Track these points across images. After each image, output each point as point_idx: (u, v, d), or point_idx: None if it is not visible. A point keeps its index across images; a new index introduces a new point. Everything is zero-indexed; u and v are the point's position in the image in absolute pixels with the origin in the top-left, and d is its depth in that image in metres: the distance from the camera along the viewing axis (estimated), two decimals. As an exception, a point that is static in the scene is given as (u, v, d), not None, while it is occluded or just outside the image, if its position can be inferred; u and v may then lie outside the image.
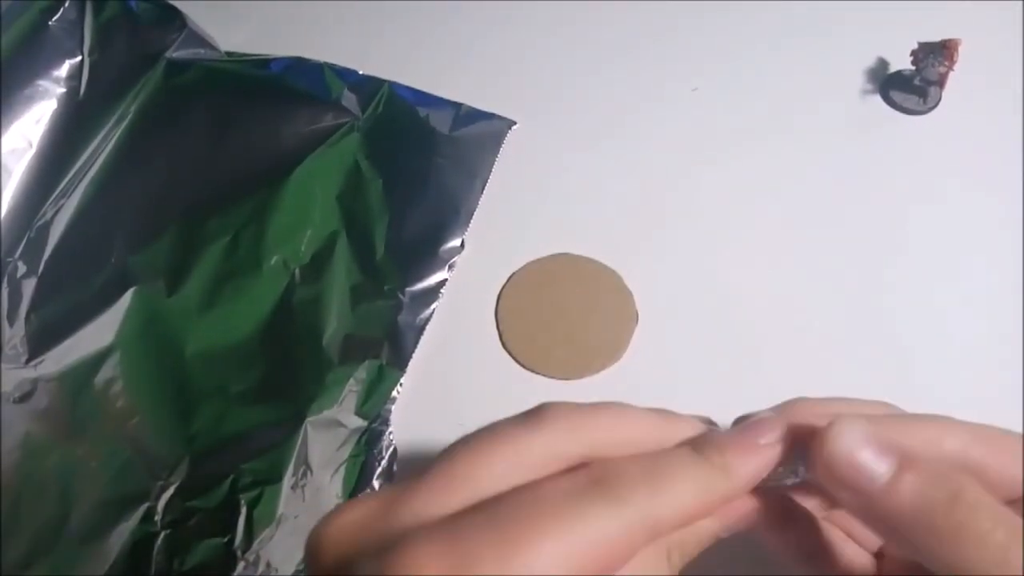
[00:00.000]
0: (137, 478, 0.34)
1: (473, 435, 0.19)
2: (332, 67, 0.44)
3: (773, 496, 0.21)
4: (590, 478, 0.18)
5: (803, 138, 0.42)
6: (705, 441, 0.20)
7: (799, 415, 0.21)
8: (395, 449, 0.35)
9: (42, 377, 0.36)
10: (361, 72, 0.44)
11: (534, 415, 0.19)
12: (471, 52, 0.46)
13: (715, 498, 0.19)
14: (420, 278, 0.38)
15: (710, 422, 0.22)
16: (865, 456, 0.19)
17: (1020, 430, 0.31)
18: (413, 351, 0.37)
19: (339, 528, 0.18)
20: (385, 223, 0.40)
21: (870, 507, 0.19)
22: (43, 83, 0.41)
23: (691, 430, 0.21)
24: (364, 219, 0.40)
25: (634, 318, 0.38)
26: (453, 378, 0.37)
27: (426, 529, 0.17)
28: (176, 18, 0.45)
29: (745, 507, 0.21)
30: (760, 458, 0.20)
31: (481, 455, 0.19)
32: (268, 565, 0.32)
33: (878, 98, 0.43)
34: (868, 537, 0.23)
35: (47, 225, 0.40)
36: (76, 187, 0.41)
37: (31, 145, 0.41)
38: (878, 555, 0.23)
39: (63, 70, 0.42)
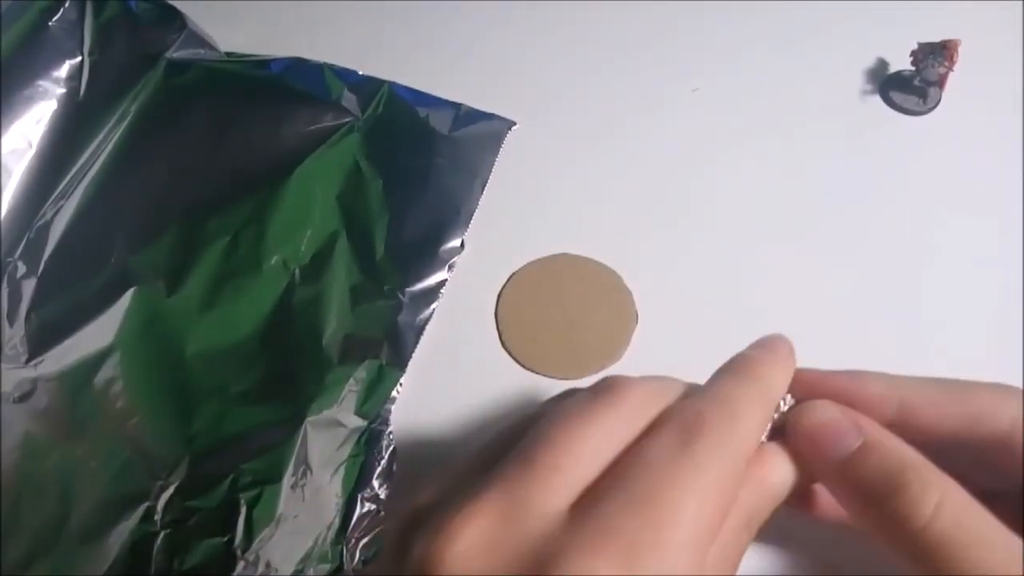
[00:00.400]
0: (137, 478, 0.34)
1: (553, 418, 0.21)
2: (332, 67, 0.44)
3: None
4: (681, 429, 0.20)
5: (803, 138, 0.42)
6: (740, 360, 0.24)
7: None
8: (395, 449, 0.35)
9: (42, 377, 0.36)
10: (361, 72, 0.44)
11: (607, 392, 0.22)
12: (471, 52, 0.46)
13: (769, 413, 0.23)
14: (420, 278, 0.38)
15: None
16: (839, 428, 0.22)
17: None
18: (413, 351, 0.37)
19: (468, 550, 0.18)
20: (385, 223, 0.40)
21: (832, 474, 0.22)
22: (43, 83, 0.41)
23: None
24: (364, 219, 0.40)
25: (634, 318, 0.38)
26: (453, 378, 0.37)
27: (581, 533, 0.18)
28: (176, 18, 0.45)
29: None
30: (788, 363, 0.25)
31: (578, 440, 0.20)
32: (268, 565, 0.32)
33: (878, 98, 0.43)
34: None
35: (47, 225, 0.39)
36: (76, 187, 0.40)
37: (31, 145, 0.41)
38: None
39: (63, 70, 0.42)
